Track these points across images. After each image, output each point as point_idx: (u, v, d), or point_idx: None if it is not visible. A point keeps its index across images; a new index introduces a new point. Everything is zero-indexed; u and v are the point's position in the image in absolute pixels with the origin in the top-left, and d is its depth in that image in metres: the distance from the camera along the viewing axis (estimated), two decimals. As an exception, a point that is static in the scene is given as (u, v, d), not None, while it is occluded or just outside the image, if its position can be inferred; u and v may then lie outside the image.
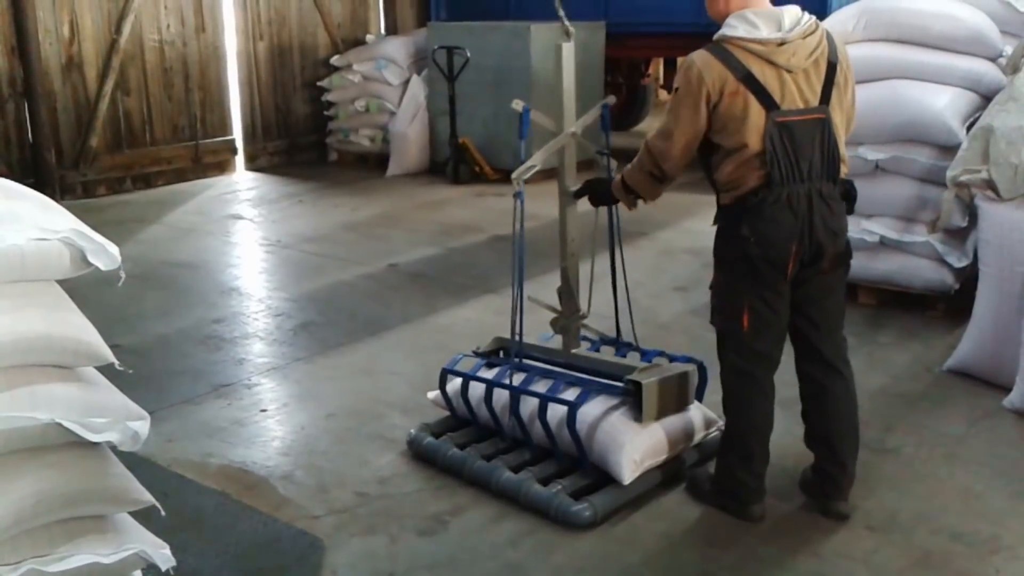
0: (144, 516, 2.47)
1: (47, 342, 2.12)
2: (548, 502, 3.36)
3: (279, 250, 7.25)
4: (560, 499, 3.35)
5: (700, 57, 3.07)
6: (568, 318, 3.87)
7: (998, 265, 4.31)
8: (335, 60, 10.68)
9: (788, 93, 3.05)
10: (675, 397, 3.57)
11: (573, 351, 3.90)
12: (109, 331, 2.46)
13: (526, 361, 3.87)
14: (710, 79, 3.03)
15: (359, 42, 11.03)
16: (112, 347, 2.31)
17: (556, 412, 3.54)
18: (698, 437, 3.67)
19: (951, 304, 5.29)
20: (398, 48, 10.29)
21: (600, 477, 3.48)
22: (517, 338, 3.75)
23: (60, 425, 2.12)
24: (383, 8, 11.75)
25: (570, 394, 3.56)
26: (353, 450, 3.95)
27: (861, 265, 5.37)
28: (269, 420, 4.27)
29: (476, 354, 4.04)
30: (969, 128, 4.97)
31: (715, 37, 3.12)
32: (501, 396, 3.72)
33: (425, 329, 5.42)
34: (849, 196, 3.23)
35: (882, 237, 5.33)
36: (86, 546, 2.22)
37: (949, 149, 5.05)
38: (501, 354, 4.03)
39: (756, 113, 3.02)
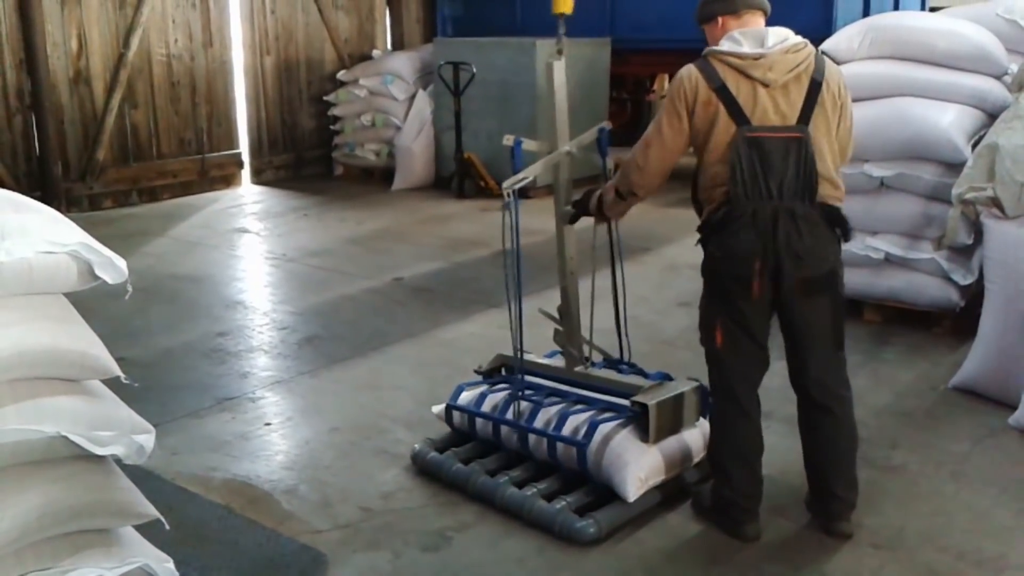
0: (148, 530, 2.46)
1: (53, 355, 2.13)
2: (552, 518, 3.35)
3: (284, 264, 7.26)
4: (564, 515, 3.34)
5: (685, 69, 3.17)
6: (568, 337, 3.87)
7: (1003, 283, 4.31)
8: (341, 75, 10.71)
9: (760, 108, 3.05)
10: (680, 415, 3.58)
11: (576, 368, 3.89)
12: (114, 344, 2.46)
13: (530, 378, 3.86)
14: (689, 86, 3.11)
15: (365, 57, 11.08)
16: (117, 360, 2.32)
17: (564, 431, 3.56)
18: (701, 455, 3.66)
19: (957, 321, 5.28)
20: (404, 63, 10.33)
21: (604, 493, 3.47)
22: (519, 358, 3.76)
23: (66, 438, 2.12)
24: (390, 24, 11.80)
25: (576, 422, 3.56)
26: (357, 465, 3.95)
27: (866, 282, 5.37)
28: (273, 434, 4.27)
29: (478, 372, 4.04)
30: (975, 146, 4.97)
31: (703, 52, 3.21)
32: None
33: (429, 343, 5.42)
34: (838, 221, 3.15)
35: (887, 254, 5.33)
36: (90, 559, 2.22)
37: (954, 166, 5.05)
38: (503, 371, 4.02)
39: (724, 126, 3.06)
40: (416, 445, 3.94)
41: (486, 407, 3.83)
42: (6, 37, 8.45)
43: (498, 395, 3.85)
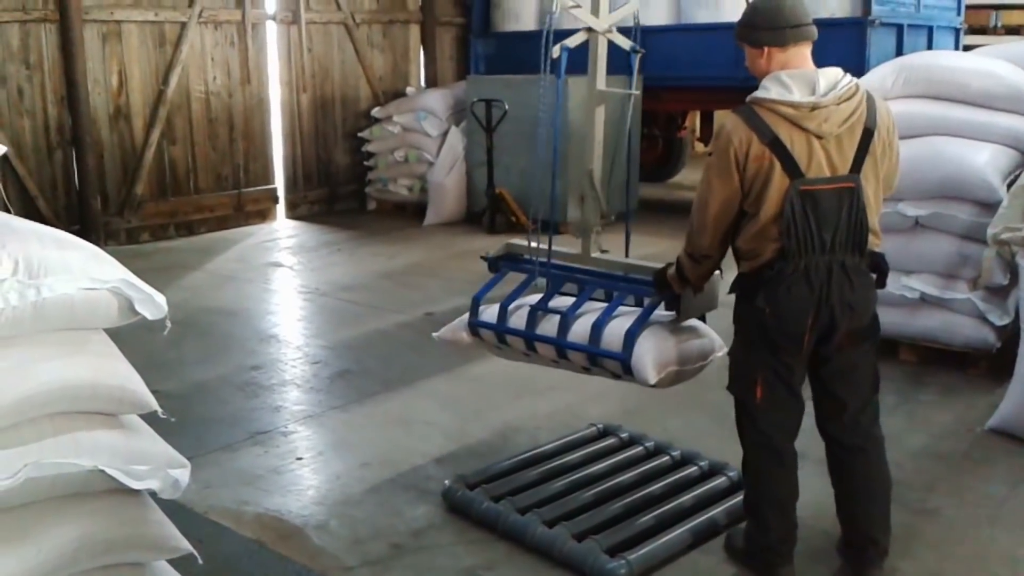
0: (180, 563, 2.48)
1: (93, 390, 2.16)
2: (583, 558, 3.33)
3: (317, 298, 7.32)
4: (595, 556, 3.31)
5: (730, 120, 3.02)
6: (590, 221, 3.84)
7: (1041, 324, 4.26)
8: (376, 112, 10.85)
9: (815, 160, 2.94)
10: (705, 298, 3.54)
11: (593, 255, 3.86)
12: (150, 376, 2.49)
13: (551, 270, 3.86)
14: (737, 140, 2.96)
15: (400, 94, 11.21)
16: (153, 392, 2.35)
17: (587, 327, 3.55)
18: (711, 356, 3.62)
19: (993, 362, 5.22)
20: (438, 100, 10.45)
21: (636, 533, 3.46)
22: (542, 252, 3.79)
23: (103, 472, 2.15)
24: (424, 62, 11.95)
25: (611, 328, 3.52)
26: (388, 501, 3.95)
27: (902, 322, 5.33)
28: (305, 469, 4.29)
29: (484, 259, 4.08)
30: (1010, 185, 4.94)
31: (747, 99, 3.04)
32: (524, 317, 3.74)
33: (460, 379, 5.43)
34: (879, 269, 3.12)
35: (923, 294, 5.28)
36: (124, 593, 2.24)
37: (989, 206, 5.02)
38: (509, 260, 4.04)
39: (779, 180, 2.93)
40: (446, 481, 3.93)
41: (512, 315, 3.80)
42: (48, 74, 8.65)
43: (521, 303, 3.81)
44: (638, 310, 3.60)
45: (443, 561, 3.48)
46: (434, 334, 4.16)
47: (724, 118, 3.08)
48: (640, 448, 4.20)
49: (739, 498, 3.64)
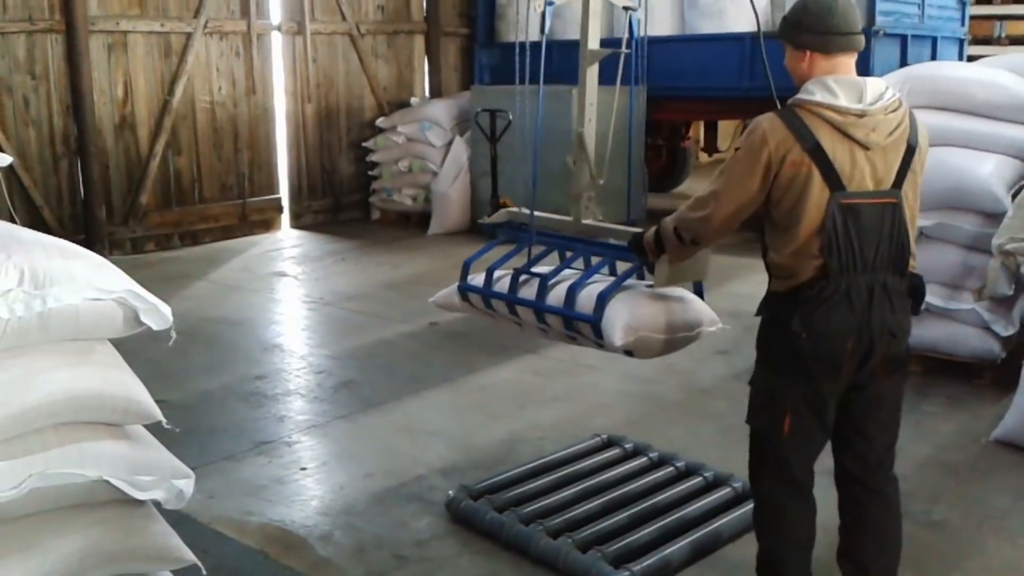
0: (185, 574, 2.48)
1: (99, 400, 2.17)
2: (587, 569, 3.32)
3: (321, 307, 7.32)
4: (600, 567, 3.31)
5: (768, 119, 2.78)
6: (581, 186, 3.80)
7: (1046, 335, 4.25)
8: (380, 122, 10.87)
9: (858, 172, 2.73)
10: (694, 266, 3.43)
11: (584, 222, 3.83)
12: (154, 386, 2.50)
13: (539, 236, 3.88)
14: (774, 142, 2.72)
15: (404, 105, 11.23)
16: (158, 402, 2.36)
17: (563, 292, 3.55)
18: (700, 329, 3.56)
19: (998, 373, 5.21)
20: (442, 111, 10.48)
21: (640, 544, 3.45)
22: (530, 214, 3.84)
23: (108, 482, 2.16)
24: (428, 72, 11.97)
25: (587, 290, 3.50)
26: (391, 511, 3.95)
27: (905, 332, 5.32)
28: (308, 479, 4.29)
29: (481, 223, 4.07)
30: (1015, 196, 4.94)
31: (789, 101, 2.82)
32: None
33: (465, 389, 5.43)
34: (917, 292, 2.89)
35: (928, 304, 5.27)
36: (128, 604, 2.24)
37: (994, 216, 5.03)
38: (508, 226, 4.09)
39: (818, 191, 2.72)
40: (450, 492, 3.93)
41: (497, 279, 3.82)
42: (54, 84, 8.68)
43: (506, 270, 3.84)
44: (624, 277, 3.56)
45: (447, 572, 3.47)
46: (430, 299, 4.18)
47: (757, 119, 2.85)
48: (644, 459, 4.20)
49: (744, 509, 3.63)
